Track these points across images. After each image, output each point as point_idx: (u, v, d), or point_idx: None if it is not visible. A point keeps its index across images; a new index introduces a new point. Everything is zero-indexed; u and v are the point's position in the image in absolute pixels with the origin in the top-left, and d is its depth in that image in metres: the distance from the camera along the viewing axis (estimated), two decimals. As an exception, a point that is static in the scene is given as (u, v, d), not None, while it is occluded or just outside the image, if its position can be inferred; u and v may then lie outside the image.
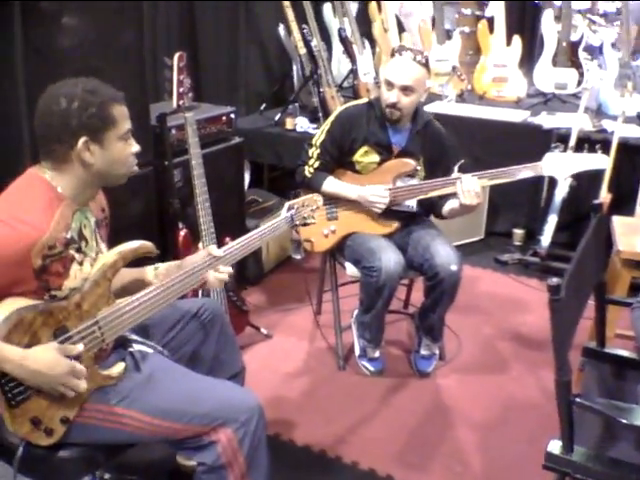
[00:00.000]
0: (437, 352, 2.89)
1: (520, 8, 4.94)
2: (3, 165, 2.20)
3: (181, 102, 2.51)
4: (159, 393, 1.63)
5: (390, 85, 2.53)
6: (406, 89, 2.51)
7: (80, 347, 1.53)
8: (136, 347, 1.73)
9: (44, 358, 1.46)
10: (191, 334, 1.89)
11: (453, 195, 2.57)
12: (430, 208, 2.77)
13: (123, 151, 1.59)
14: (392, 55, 2.57)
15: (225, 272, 1.77)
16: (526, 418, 2.57)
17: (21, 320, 1.45)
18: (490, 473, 2.30)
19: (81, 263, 1.58)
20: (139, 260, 1.70)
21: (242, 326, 2.92)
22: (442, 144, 2.73)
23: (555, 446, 1.56)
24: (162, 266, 1.82)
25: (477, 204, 2.51)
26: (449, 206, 2.65)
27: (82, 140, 1.51)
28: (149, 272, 1.81)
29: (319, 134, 2.71)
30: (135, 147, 1.63)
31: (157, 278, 1.77)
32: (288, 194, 3.76)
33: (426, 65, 2.54)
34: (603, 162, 2.57)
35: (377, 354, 2.85)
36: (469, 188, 2.47)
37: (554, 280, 1.33)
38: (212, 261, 1.75)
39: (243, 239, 1.83)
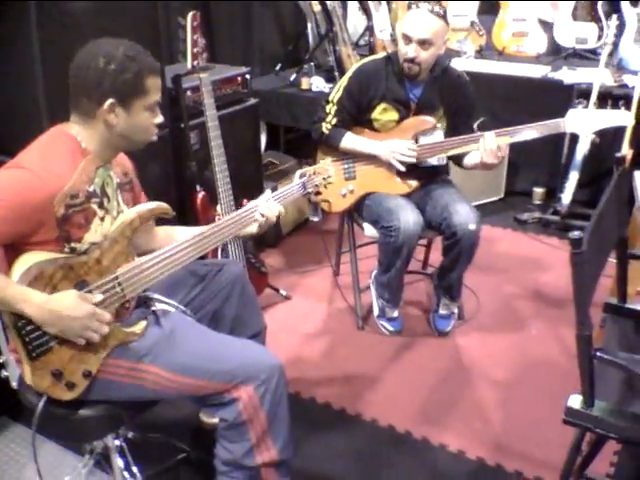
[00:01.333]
0: (456, 311, 2.90)
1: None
2: (20, 129, 2.20)
3: (195, 62, 2.49)
4: (181, 350, 1.65)
5: (408, 39, 2.47)
6: (424, 43, 2.45)
7: (99, 297, 1.55)
8: (158, 306, 1.76)
9: (66, 301, 1.48)
10: (213, 294, 1.90)
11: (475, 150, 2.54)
12: (452, 158, 2.73)
13: (147, 120, 1.62)
14: (409, 8, 2.50)
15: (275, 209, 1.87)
16: (546, 376, 2.58)
17: (41, 273, 1.48)
18: (509, 430, 2.32)
19: (102, 219, 1.60)
20: (158, 221, 1.71)
21: (261, 288, 2.93)
22: (466, 94, 2.67)
23: (575, 400, 1.55)
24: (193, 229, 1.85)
25: (498, 163, 2.48)
26: (470, 159, 2.62)
27: (109, 101, 1.54)
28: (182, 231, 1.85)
29: (336, 90, 2.67)
30: (159, 118, 1.65)
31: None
32: (305, 156, 3.75)
33: (444, 17, 2.47)
34: (627, 118, 2.51)
35: (396, 314, 2.86)
36: (491, 146, 2.43)
37: (576, 233, 1.31)
38: (228, 223, 1.77)
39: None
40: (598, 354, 1.45)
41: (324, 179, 2.06)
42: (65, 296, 1.50)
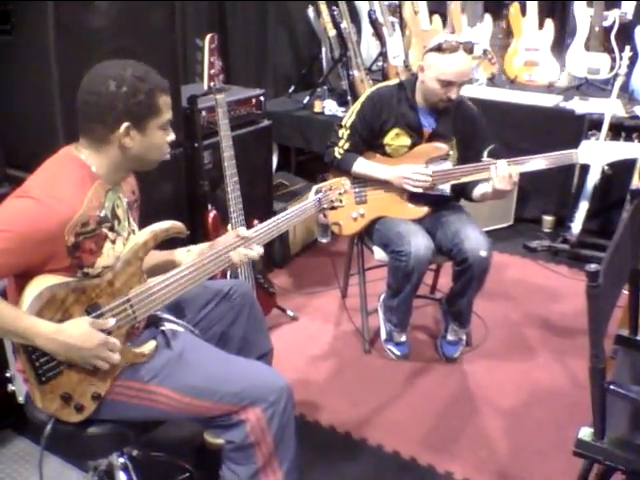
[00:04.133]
0: (464, 338, 2.88)
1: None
2: (36, 144, 2.22)
3: (212, 84, 2.51)
4: (190, 371, 1.65)
5: (450, 84, 2.47)
6: (462, 84, 2.51)
7: (112, 321, 1.54)
8: (168, 326, 1.75)
9: (77, 331, 1.47)
10: (221, 314, 1.90)
11: (485, 179, 2.54)
12: (460, 191, 2.74)
13: (161, 139, 1.61)
14: (442, 50, 2.45)
15: (255, 250, 1.76)
16: (552, 405, 2.56)
17: (53, 297, 1.47)
18: (515, 459, 2.29)
19: (114, 241, 1.59)
20: (168, 241, 1.71)
21: (269, 308, 2.93)
22: (475, 124, 2.69)
23: (586, 433, 1.54)
24: (194, 248, 1.83)
25: (510, 190, 2.48)
26: (480, 190, 2.62)
27: (125, 125, 1.53)
28: (181, 253, 1.82)
29: (349, 115, 2.69)
30: (171, 136, 1.64)
31: (189, 259, 1.79)
32: (315, 178, 3.76)
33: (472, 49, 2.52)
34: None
35: (403, 338, 2.85)
36: (504, 174, 2.43)
37: (592, 266, 1.30)
38: (241, 242, 1.76)
39: (271, 221, 1.83)
40: (611, 387, 1.44)
41: (340, 194, 2.05)
42: (76, 325, 1.48)
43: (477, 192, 2.64)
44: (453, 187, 2.72)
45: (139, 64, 1.57)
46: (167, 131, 1.62)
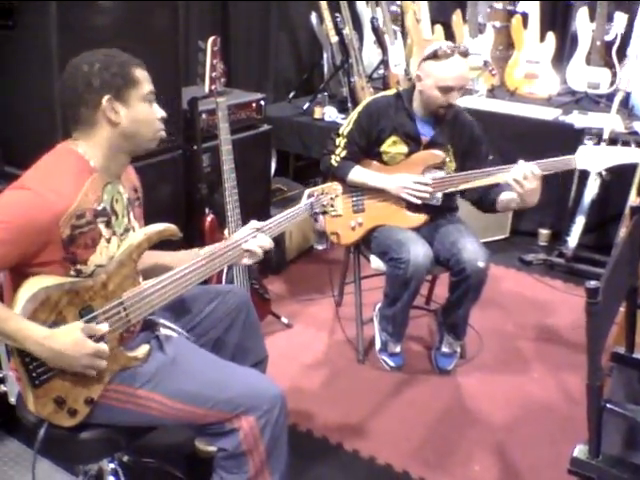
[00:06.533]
0: (458, 350, 2.87)
1: (552, 4, 4.86)
2: (35, 141, 2.20)
3: (213, 87, 2.50)
4: (183, 377, 1.63)
5: (449, 89, 2.47)
6: (461, 88, 2.51)
7: (105, 327, 1.52)
8: (162, 331, 1.73)
9: (68, 338, 1.45)
10: (217, 320, 1.88)
11: (507, 186, 2.46)
12: (480, 201, 2.65)
13: (148, 113, 1.60)
14: (437, 57, 2.45)
15: (265, 242, 1.78)
16: (546, 420, 2.54)
17: (47, 298, 1.45)
18: (508, 474, 2.28)
19: (108, 240, 1.58)
20: (163, 243, 1.70)
21: (263, 314, 2.91)
22: (472, 134, 2.68)
23: (581, 451, 1.53)
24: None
25: (536, 189, 2.36)
26: (506, 196, 2.52)
27: (106, 98, 1.53)
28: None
29: (346, 124, 2.69)
30: (160, 112, 1.64)
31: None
32: (310, 182, 3.75)
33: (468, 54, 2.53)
34: (639, 156, 2.45)
35: (398, 349, 2.83)
36: (525, 174, 2.31)
37: (592, 283, 1.29)
38: (233, 245, 1.76)
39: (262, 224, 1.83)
40: (608, 406, 1.42)
41: (331, 199, 2.04)
42: (68, 333, 1.46)
43: (503, 198, 2.54)
44: (473, 199, 2.68)
45: (109, 49, 1.59)
46: (153, 105, 1.62)
